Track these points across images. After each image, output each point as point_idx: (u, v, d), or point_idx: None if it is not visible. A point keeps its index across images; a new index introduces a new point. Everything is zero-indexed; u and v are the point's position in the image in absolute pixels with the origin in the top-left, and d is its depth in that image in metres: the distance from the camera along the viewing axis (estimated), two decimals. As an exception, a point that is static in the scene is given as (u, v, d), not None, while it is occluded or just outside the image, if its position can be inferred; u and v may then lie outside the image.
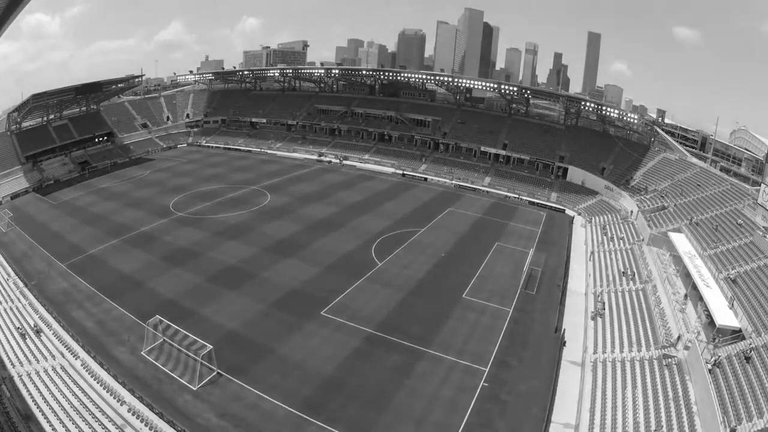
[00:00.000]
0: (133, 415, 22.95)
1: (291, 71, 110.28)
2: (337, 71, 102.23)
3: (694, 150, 66.38)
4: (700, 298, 29.53)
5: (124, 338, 29.01)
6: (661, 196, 51.25)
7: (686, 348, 25.80)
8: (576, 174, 69.16)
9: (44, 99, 68.89)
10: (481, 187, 69.76)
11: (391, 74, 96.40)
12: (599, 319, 32.12)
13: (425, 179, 73.35)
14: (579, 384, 26.44)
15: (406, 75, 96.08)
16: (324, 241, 45.42)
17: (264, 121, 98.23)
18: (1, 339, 28.40)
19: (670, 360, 25.55)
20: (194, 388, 25.00)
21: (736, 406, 20.21)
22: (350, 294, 35.55)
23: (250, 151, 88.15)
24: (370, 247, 44.55)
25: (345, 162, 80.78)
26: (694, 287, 31.18)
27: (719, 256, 34.48)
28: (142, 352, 27.77)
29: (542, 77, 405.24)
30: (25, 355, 27.16)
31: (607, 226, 51.15)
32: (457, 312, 33.77)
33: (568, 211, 60.83)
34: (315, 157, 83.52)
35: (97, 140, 79.28)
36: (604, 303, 33.98)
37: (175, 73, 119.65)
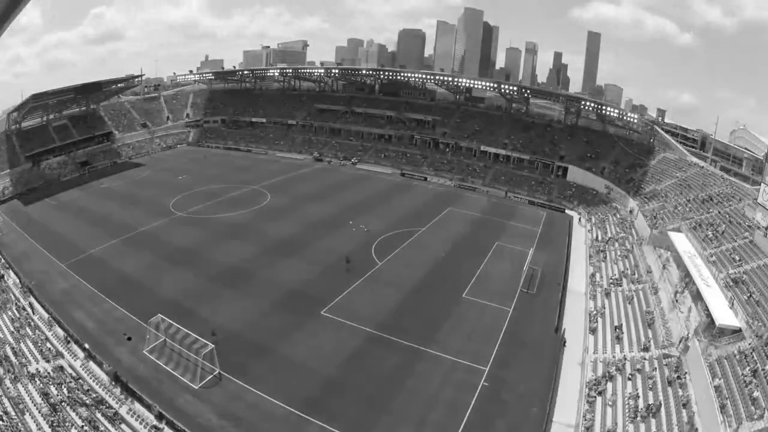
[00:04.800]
0: (133, 415, 22.96)
1: (291, 71, 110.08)
2: (337, 71, 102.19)
3: (694, 150, 66.30)
4: (701, 298, 29.51)
5: (123, 335, 29.01)
6: (662, 196, 51.22)
7: (686, 348, 25.80)
8: (576, 174, 69.16)
9: (44, 99, 68.96)
10: (481, 187, 69.76)
11: (391, 74, 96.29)
12: (599, 319, 32.14)
13: (425, 179, 73.35)
14: (579, 384, 26.46)
15: (406, 74, 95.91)
16: (324, 241, 45.42)
17: (264, 121, 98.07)
18: (1, 339, 28.39)
19: (670, 360, 25.56)
20: (195, 387, 25.03)
21: (736, 406, 20.21)
22: (350, 294, 35.56)
23: (250, 151, 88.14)
24: (370, 247, 44.55)
25: (345, 162, 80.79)
26: (695, 286, 31.13)
27: (719, 256, 34.46)
28: (143, 351, 27.78)
29: (542, 77, 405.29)
30: (25, 355, 27.15)
31: (607, 226, 51.15)
32: (457, 312, 33.78)
33: (568, 211, 60.86)
34: (313, 156, 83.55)
35: (97, 140, 79.23)
36: (604, 303, 34.00)
37: (174, 73, 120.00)
